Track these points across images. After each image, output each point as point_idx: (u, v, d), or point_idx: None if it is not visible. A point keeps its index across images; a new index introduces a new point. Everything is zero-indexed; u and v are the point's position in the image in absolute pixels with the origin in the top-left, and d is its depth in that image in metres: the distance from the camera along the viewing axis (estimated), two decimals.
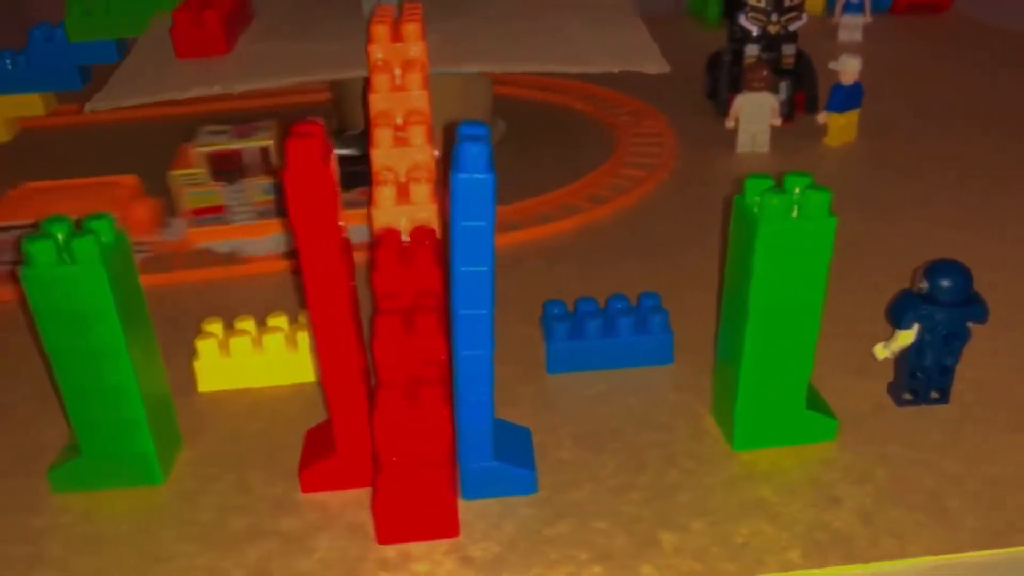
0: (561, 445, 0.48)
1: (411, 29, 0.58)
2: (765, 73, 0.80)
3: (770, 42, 0.89)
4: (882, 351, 0.50)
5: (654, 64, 0.67)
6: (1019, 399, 0.50)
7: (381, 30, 0.58)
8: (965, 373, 0.52)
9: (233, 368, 0.53)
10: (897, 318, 0.48)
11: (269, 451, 0.49)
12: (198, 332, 0.54)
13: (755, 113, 0.82)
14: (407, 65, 0.57)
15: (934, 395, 0.50)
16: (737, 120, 0.83)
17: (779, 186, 0.43)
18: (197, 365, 0.53)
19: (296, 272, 0.41)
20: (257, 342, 0.54)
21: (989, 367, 0.53)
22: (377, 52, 0.58)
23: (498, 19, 0.72)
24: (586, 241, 0.70)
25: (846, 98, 0.83)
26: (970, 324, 0.48)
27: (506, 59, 0.66)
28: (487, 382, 0.42)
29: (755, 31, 0.89)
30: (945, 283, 0.46)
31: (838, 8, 1.15)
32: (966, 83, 1.00)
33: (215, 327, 0.54)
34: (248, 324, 0.54)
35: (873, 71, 1.07)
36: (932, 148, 0.84)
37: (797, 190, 0.43)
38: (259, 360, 0.53)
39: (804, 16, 0.89)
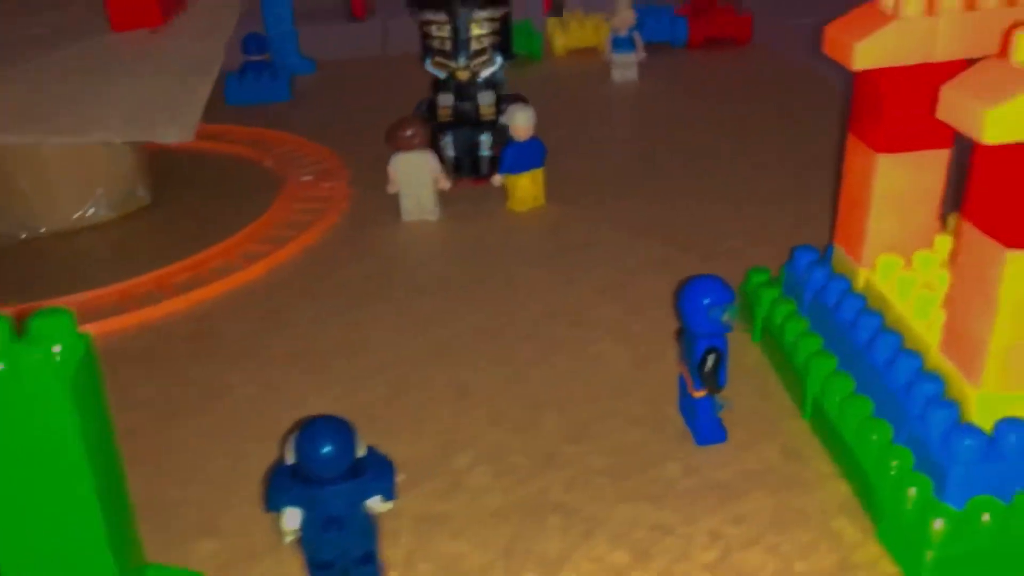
0: None
1: None
2: (410, 132, 0.68)
3: (463, 90, 0.78)
4: (289, 533, 0.37)
5: (176, 132, 0.56)
6: None
7: None
8: None
9: None
10: (266, 498, 0.35)
11: None
12: None
13: (414, 175, 0.70)
14: None
15: None
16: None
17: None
18: None
19: None
20: None
21: None
22: None
23: (48, 78, 0.60)
24: (155, 336, 0.58)
25: (521, 157, 0.71)
26: (375, 503, 0.35)
27: None
28: None
29: (443, 77, 0.77)
30: (314, 452, 0.34)
31: (606, 47, 1.03)
32: (721, 129, 0.89)
33: None
34: None
35: (630, 117, 0.96)
36: (623, 212, 0.72)
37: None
38: None
39: (498, 60, 0.77)
